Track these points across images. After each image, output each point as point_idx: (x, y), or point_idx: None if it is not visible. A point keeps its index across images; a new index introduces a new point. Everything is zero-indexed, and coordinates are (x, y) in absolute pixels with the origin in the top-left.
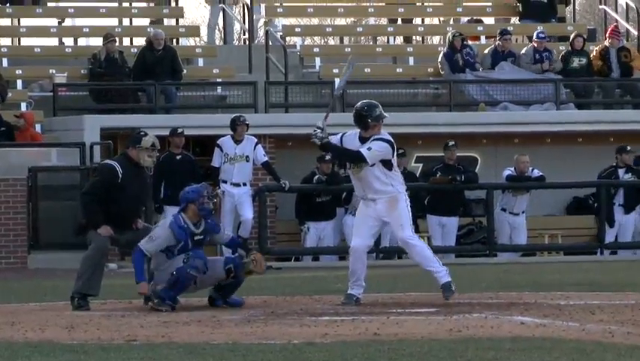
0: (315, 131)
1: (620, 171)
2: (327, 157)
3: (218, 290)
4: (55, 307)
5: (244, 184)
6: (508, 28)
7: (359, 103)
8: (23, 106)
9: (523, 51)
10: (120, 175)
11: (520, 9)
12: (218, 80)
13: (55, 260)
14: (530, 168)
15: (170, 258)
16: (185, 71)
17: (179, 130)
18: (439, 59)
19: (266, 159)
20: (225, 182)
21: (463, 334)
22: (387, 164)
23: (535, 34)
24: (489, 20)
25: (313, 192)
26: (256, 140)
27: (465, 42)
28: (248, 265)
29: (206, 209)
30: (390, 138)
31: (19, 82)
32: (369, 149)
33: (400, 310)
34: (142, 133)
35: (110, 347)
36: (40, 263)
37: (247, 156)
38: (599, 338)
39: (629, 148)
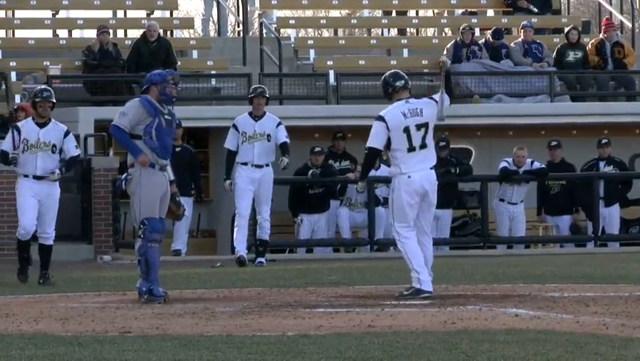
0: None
1: (601, 164)
2: (318, 149)
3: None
4: (49, 300)
5: (267, 165)
6: (503, 20)
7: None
8: (17, 98)
9: (512, 44)
10: None
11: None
12: (213, 72)
13: None
14: (530, 161)
15: (148, 143)
16: (179, 63)
17: (178, 121)
18: (448, 45)
19: (286, 140)
20: (245, 164)
21: (457, 326)
22: (388, 142)
23: (521, 25)
24: (483, 13)
25: (306, 183)
26: (279, 120)
27: (474, 38)
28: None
29: (168, 95)
30: (388, 110)
31: (13, 74)
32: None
33: (394, 303)
34: None
35: (104, 339)
36: (34, 255)
37: (268, 135)
38: (593, 330)
39: (604, 141)
